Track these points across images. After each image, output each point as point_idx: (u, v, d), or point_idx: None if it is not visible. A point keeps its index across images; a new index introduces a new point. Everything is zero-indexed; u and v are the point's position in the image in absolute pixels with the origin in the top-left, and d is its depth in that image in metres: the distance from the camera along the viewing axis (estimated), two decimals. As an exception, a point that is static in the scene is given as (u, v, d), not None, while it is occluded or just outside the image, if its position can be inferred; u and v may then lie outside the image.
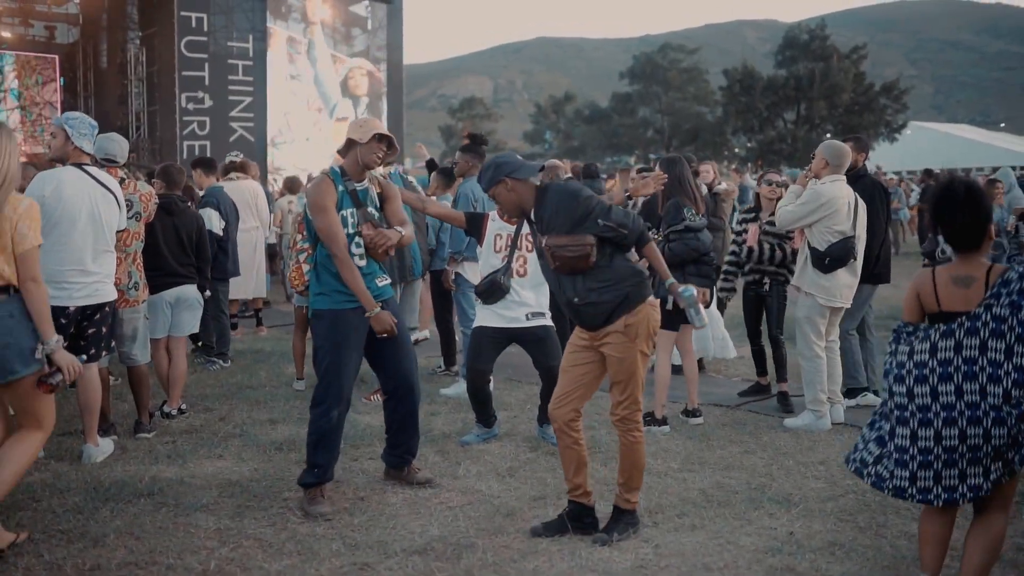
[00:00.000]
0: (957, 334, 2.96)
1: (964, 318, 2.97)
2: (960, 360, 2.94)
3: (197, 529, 3.89)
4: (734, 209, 11.50)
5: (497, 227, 5.24)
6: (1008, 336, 2.87)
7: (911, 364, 3.03)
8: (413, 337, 6.93)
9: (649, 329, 3.76)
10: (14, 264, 3.50)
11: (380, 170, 6.10)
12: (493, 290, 5.03)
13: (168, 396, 5.93)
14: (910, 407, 3.02)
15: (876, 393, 6.30)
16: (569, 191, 3.79)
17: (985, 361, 2.90)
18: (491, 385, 6.60)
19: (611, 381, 3.84)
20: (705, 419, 5.82)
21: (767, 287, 6.31)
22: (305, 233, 4.26)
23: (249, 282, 9.08)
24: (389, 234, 4.22)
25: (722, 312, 9.37)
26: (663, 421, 5.59)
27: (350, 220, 4.18)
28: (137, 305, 5.36)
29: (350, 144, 4.21)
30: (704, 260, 5.66)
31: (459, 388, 6.43)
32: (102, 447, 4.97)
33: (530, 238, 5.02)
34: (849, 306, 5.77)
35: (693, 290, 3.72)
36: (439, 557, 3.63)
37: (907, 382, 3.03)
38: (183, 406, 5.94)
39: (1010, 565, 3.61)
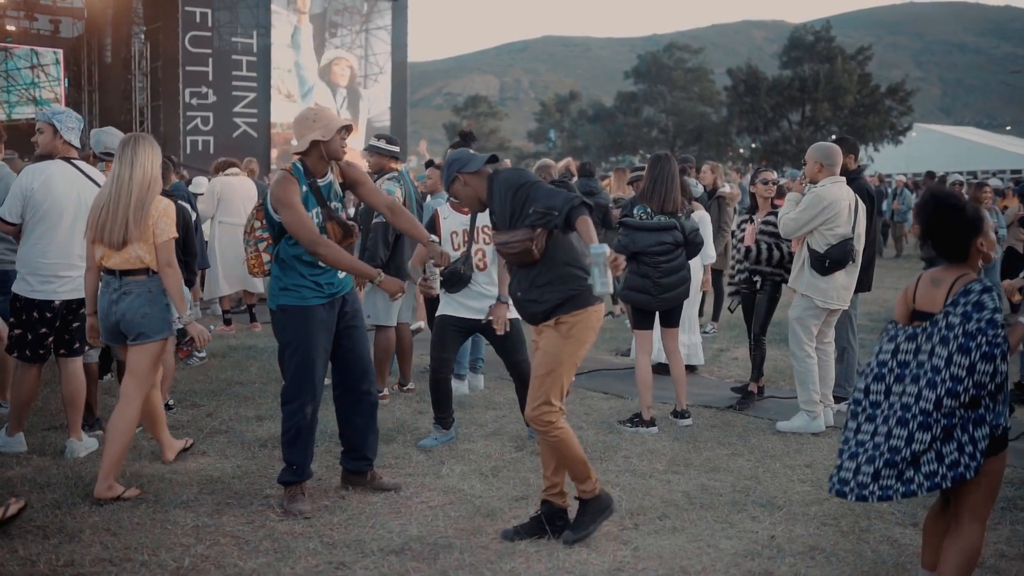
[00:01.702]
0: (919, 338, 2.99)
1: (928, 323, 2.99)
2: (915, 363, 2.97)
3: (174, 526, 3.87)
4: (736, 212, 11.45)
5: (452, 224, 5.31)
6: (951, 345, 2.88)
7: (875, 363, 3.07)
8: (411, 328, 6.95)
9: (585, 334, 3.68)
10: (154, 253, 4.30)
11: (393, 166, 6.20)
12: (454, 280, 5.06)
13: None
14: (863, 402, 3.05)
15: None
16: (509, 182, 3.73)
17: (930, 366, 2.92)
18: (473, 386, 6.61)
19: (531, 375, 3.77)
20: (694, 420, 5.79)
21: (758, 284, 6.28)
22: (265, 222, 4.20)
23: (237, 275, 9.04)
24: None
25: (717, 312, 9.38)
26: (651, 422, 5.56)
27: (315, 220, 4.11)
28: None
29: (314, 144, 4.10)
30: (643, 260, 5.55)
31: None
32: (85, 443, 4.95)
33: (486, 230, 5.05)
34: (846, 307, 5.74)
35: (605, 249, 3.46)
36: (416, 557, 3.60)
37: (867, 379, 3.07)
38: (170, 402, 5.91)
39: (992, 571, 3.58)
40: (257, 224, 4.21)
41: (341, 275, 4.24)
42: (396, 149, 6.36)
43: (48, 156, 4.91)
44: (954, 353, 2.86)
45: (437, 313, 5.35)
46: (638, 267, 5.61)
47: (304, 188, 4.09)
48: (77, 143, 4.91)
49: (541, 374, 3.70)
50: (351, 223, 4.20)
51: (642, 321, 5.71)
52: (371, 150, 6.30)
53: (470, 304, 5.16)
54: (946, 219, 3.03)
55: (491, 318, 5.00)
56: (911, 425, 2.90)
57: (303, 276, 4.11)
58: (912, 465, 2.90)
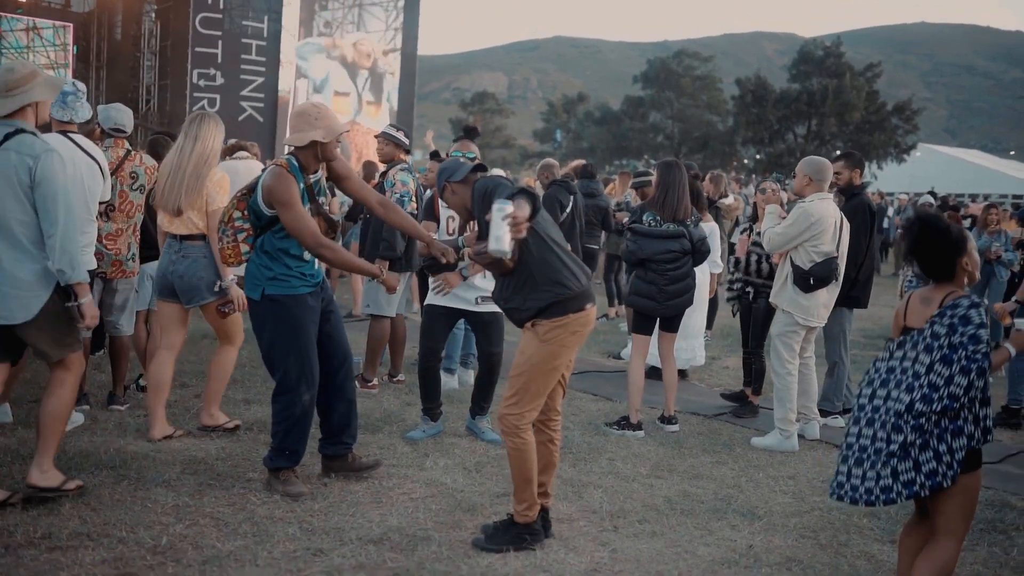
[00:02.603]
0: (905, 346, 3.09)
1: (915, 332, 3.08)
2: (899, 369, 3.06)
3: (154, 504, 3.88)
4: (736, 223, 11.47)
5: (449, 211, 5.26)
6: (935, 354, 2.97)
7: (884, 368, 3.14)
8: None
9: (564, 340, 3.57)
10: (206, 219, 4.75)
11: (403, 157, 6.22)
12: (438, 266, 4.96)
13: (145, 369, 5.91)
14: (867, 407, 3.12)
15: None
16: (481, 190, 3.69)
17: (911, 372, 3.01)
18: (463, 381, 6.63)
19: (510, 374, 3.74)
20: (681, 427, 5.79)
21: (751, 296, 6.30)
22: (247, 214, 4.17)
23: None
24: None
25: (711, 320, 9.38)
26: (638, 426, 5.57)
27: None
28: (132, 276, 5.34)
29: (312, 143, 4.07)
30: (651, 267, 5.57)
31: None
32: (72, 417, 4.93)
33: None
34: (822, 325, 5.70)
35: (506, 206, 3.32)
36: (394, 547, 3.61)
37: (874, 385, 3.14)
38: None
39: (967, 592, 3.59)
40: (237, 214, 4.16)
41: (317, 265, 4.25)
42: (408, 141, 6.40)
43: (48, 128, 4.89)
44: (936, 362, 2.95)
45: (425, 302, 5.37)
46: (645, 273, 5.61)
47: (301, 186, 4.07)
48: (63, 116, 4.78)
49: (513, 375, 3.66)
50: (335, 218, 4.24)
51: (642, 326, 5.72)
52: (386, 137, 6.30)
53: (457, 292, 5.17)
54: (931, 239, 3.12)
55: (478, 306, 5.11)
56: (888, 427, 2.99)
57: (289, 267, 4.10)
58: (886, 469, 2.97)
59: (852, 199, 6.20)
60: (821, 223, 5.43)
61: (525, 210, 3.36)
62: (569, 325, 3.60)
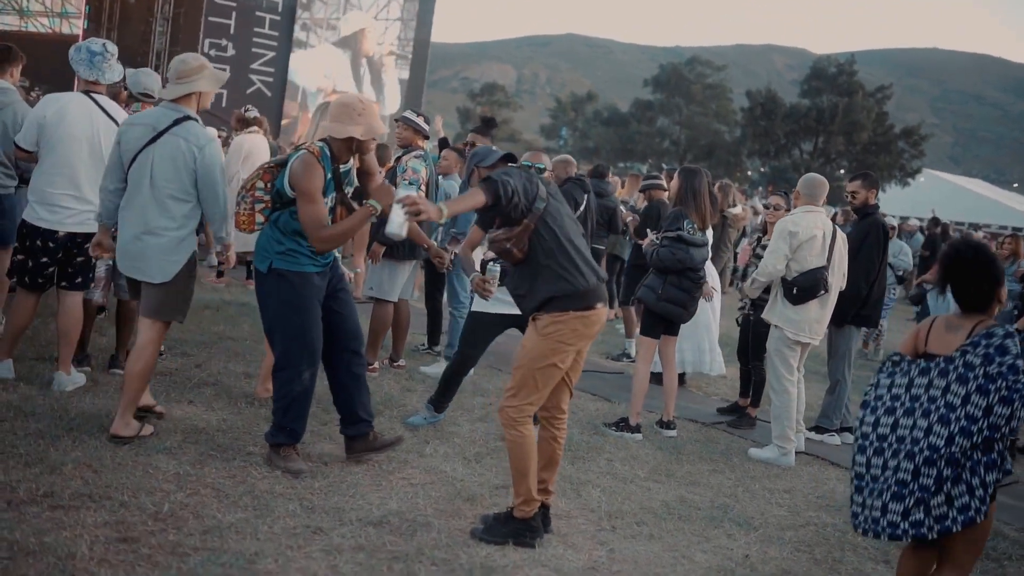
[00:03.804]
0: (931, 372, 3.02)
1: (941, 359, 3.01)
2: (926, 398, 2.99)
3: (156, 470, 3.87)
4: (743, 233, 11.47)
5: None
6: (970, 384, 2.91)
7: (888, 396, 3.08)
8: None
9: (563, 337, 3.56)
10: None
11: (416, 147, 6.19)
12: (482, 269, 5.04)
13: (147, 335, 5.90)
14: (871, 436, 3.07)
15: (851, 431, 6.29)
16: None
17: (943, 402, 2.94)
18: (471, 371, 6.63)
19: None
20: (679, 433, 5.81)
21: (747, 307, 6.33)
22: (270, 187, 4.16)
23: (245, 235, 8.99)
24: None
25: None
26: (636, 428, 5.57)
27: (327, 204, 4.10)
28: None
29: (349, 138, 4.07)
30: (689, 275, 5.61)
31: (439, 368, 6.40)
32: (73, 377, 4.93)
33: None
34: (816, 343, 5.68)
35: (409, 192, 3.30)
36: (393, 531, 3.61)
37: (877, 412, 3.08)
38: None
39: (959, 617, 3.61)
40: (260, 184, 4.16)
41: None
42: (428, 128, 6.34)
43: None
44: (972, 393, 2.88)
45: (471, 309, 5.36)
46: (681, 281, 5.60)
47: (328, 175, 4.07)
48: (89, 75, 4.78)
49: (513, 367, 3.68)
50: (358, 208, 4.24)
51: (653, 330, 5.72)
52: (405, 122, 6.23)
53: (505, 298, 5.12)
54: (977, 268, 3.06)
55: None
56: (917, 459, 2.92)
57: (300, 244, 4.10)
58: (920, 505, 2.90)
59: (865, 219, 6.22)
60: (802, 235, 5.45)
61: (479, 202, 3.42)
62: (569, 322, 3.58)
